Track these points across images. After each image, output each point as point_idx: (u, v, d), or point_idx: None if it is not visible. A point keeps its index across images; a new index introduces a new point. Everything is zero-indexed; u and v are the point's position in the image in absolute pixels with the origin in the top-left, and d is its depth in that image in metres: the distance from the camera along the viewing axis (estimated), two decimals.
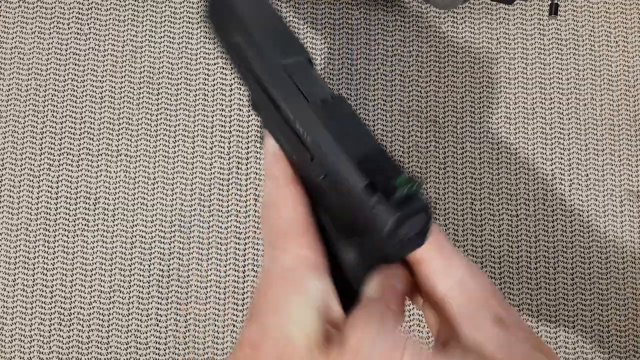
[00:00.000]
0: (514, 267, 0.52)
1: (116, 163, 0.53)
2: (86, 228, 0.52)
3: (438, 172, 0.53)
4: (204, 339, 0.51)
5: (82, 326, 0.51)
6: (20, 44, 0.54)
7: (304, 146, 0.32)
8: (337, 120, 0.33)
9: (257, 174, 0.52)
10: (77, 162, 0.53)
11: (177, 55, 0.54)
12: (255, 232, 0.52)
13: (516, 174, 0.53)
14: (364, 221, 0.30)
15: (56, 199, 0.52)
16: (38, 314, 0.51)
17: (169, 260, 0.51)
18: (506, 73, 0.54)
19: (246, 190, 0.52)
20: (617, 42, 0.55)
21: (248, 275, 0.51)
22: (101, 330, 0.51)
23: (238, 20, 0.36)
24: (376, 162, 0.32)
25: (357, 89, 0.54)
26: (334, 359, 0.27)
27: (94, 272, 0.51)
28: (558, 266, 0.52)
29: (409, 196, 0.30)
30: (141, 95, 0.53)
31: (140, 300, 0.51)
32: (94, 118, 0.53)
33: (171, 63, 0.54)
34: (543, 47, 0.55)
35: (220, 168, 0.52)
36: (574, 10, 0.56)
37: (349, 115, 0.34)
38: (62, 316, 0.51)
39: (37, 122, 0.53)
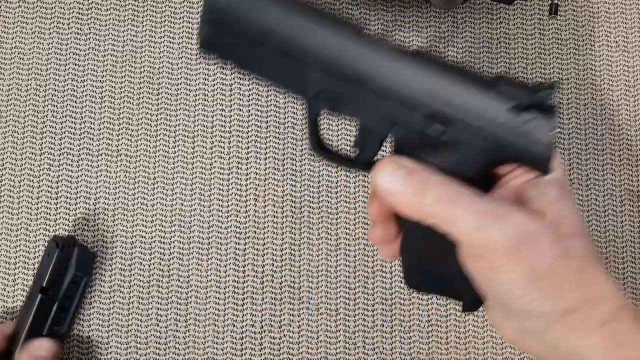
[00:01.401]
0: None
1: (116, 163, 0.52)
2: (86, 228, 0.52)
3: None
4: (204, 339, 0.51)
5: (82, 326, 0.51)
6: (20, 44, 0.54)
7: (413, 110, 0.31)
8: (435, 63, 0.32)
9: (257, 174, 0.52)
10: (77, 162, 0.53)
11: (177, 55, 0.54)
12: (255, 232, 0.52)
13: None
14: (514, 146, 0.31)
15: (56, 199, 0.52)
16: None
17: (169, 260, 0.51)
18: (506, 73, 0.54)
19: (246, 190, 0.52)
20: (617, 42, 0.55)
21: (248, 275, 0.51)
22: (101, 330, 0.51)
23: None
24: (499, 84, 0.31)
25: None
26: None
27: (94, 272, 0.51)
28: None
29: (547, 103, 0.30)
30: (141, 95, 0.53)
31: (140, 300, 0.51)
32: (94, 118, 0.53)
33: (171, 63, 0.54)
34: (543, 47, 0.55)
35: (220, 168, 0.52)
36: (574, 10, 0.55)
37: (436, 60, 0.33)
38: None
39: (37, 122, 0.53)
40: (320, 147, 0.34)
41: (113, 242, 0.52)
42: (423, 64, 0.31)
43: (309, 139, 0.35)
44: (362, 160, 0.35)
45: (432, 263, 0.34)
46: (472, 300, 0.34)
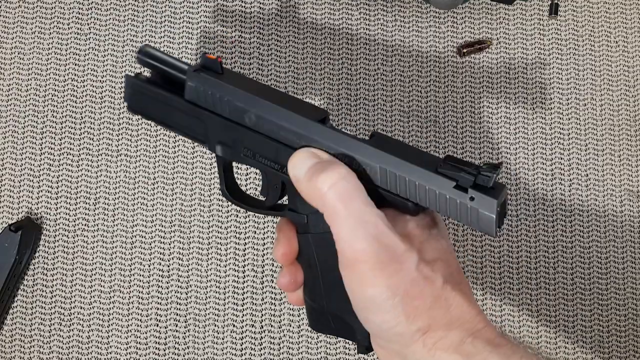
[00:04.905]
0: (514, 267, 0.52)
1: (116, 163, 0.53)
2: (86, 228, 0.52)
3: None
4: (204, 339, 0.51)
5: (82, 326, 0.51)
6: (20, 44, 0.54)
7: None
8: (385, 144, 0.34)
9: (257, 174, 0.52)
10: (77, 162, 0.53)
11: (177, 55, 0.54)
12: (255, 232, 0.52)
13: (516, 174, 0.53)
14: (463, 220, 0.32)
15: (56, 199, 0.52)
16: (38, 314, 0.51)
17: (169, 260, 0.51)
18: (506, 73, 0.54)
19: (246, 191, 0.52)
20: (617, 42, 0.55)
21: (248, 276, 0.51)
22: (101, 330, 0.51)
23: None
24: (442, 163, 0.33)
25: (357, 89, 0.54)
26: None
27: (94, 272, 0.51)
28: (558, 266, 0.52)
29: (494, 180, 0.32)
30: None
31: (140, 300, 0.51)
32: (94, 118, 0.53)
33: None
34: (543, 47, 0.55)
35: None
36: (574, 10, 0.56)
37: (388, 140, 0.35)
38: (62, 316, 0.51)
39: (37, 122, 0.53)
40: (228, 192, 0.38)
41: (113, 242, 0.52)
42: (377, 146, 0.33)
43: (219, 185, 0.37)
44: (268, 205, 0.37)
45: (327, 304, 0.36)
46: (365, 341, 0.35)
